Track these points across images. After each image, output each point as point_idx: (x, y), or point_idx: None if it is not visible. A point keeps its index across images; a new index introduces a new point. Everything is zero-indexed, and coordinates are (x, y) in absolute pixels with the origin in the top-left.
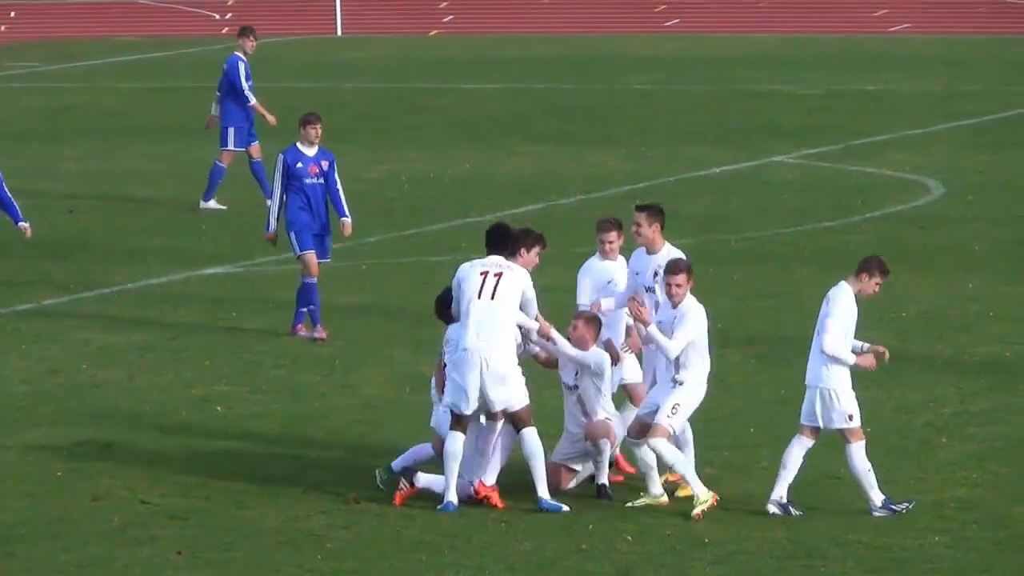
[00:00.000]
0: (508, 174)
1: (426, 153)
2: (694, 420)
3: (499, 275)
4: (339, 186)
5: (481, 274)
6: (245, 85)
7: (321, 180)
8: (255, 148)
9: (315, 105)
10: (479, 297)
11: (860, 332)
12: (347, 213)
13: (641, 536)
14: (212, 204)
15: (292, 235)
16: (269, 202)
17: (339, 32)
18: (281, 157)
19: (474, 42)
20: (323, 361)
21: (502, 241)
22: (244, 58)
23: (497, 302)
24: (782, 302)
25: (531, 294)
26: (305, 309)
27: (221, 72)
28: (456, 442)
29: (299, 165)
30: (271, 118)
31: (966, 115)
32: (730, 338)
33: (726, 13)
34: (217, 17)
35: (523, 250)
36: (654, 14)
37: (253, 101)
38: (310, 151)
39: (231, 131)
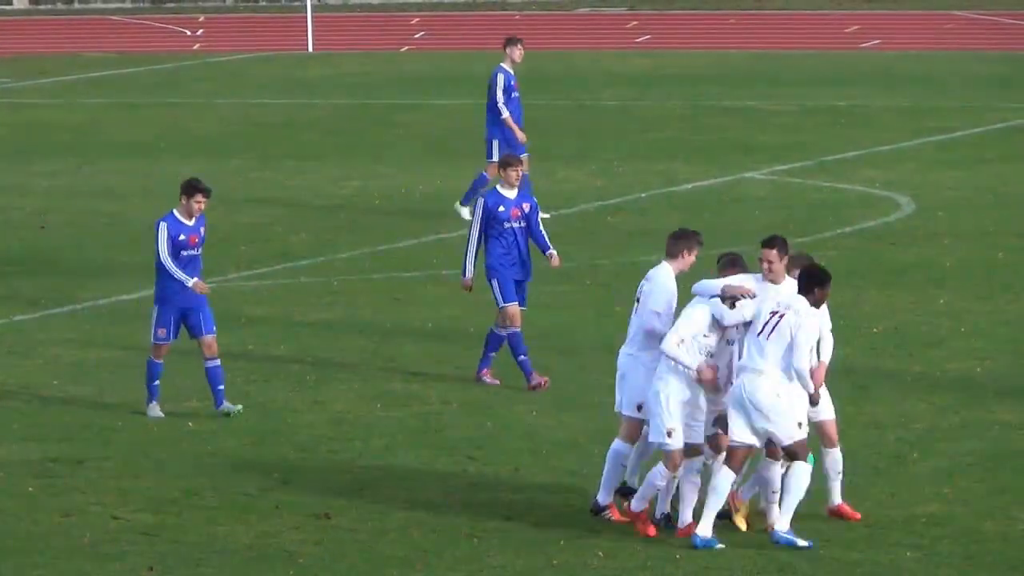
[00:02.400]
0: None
1: (397, 169)
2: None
3: (782, 316)
4: (542, 228)
5: (772, 313)
6: (500, 97)
7: (523, 224)
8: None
9: (286, 121)
10: (758, 334)
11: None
12: (551, 246)
13: (613, 552)
14: (463, 211)
15: (495, 284)
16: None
17: (311, 48)
18: (482, 200)
19: (445, 58)
20: (294, 377)
21: (809, 284)
22: (509, 69)
23: (771, 341)
24: None
25: (803, 338)
26: (493, 354)
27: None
28: (726, 480)
29: (501, 209)
30: (520, 135)
31: (936, 131)
32: None
33: (697, 29)
34: (188, 33)
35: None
36: (625, 30)
37: (505, 115)
38: (511, 193)
39: (495, 143)
